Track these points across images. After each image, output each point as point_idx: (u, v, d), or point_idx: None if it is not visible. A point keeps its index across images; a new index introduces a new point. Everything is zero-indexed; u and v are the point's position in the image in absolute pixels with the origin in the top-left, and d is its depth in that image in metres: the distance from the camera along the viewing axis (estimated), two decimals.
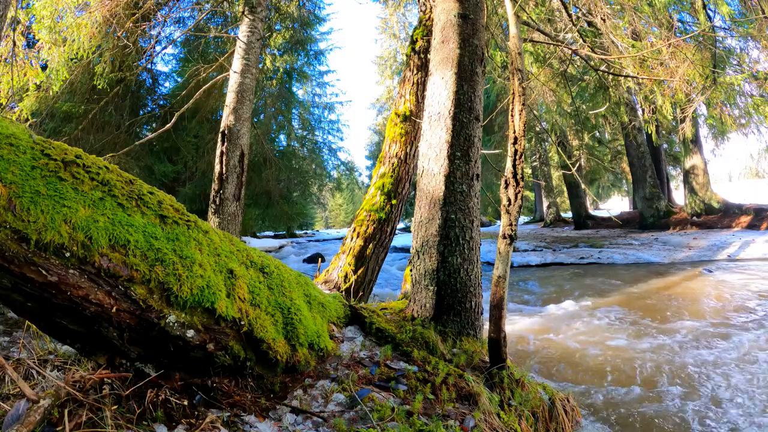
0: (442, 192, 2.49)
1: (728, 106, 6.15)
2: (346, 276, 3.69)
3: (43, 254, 1.07)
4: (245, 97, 4.87)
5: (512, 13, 2.35)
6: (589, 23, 5.34)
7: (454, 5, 2.68)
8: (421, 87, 3.95)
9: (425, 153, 2.63)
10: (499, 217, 19.64)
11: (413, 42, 4.17)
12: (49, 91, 5.80)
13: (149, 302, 1.24)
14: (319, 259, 4.96)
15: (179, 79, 13.26)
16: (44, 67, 5.39)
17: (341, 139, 62.78)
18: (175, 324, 1.29)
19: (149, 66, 12.10)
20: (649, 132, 8.76)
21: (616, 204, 32.59)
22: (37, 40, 5.13)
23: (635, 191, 14.96)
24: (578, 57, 5.99)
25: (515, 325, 4.51)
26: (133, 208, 1.29)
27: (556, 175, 21.81)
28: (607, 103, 7.59)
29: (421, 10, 4.31)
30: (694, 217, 13.23)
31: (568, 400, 2.26)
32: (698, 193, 13.51)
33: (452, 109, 2.55)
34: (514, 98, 2.12)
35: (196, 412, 1.35)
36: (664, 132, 14.54)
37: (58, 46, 5.03)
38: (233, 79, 4.92)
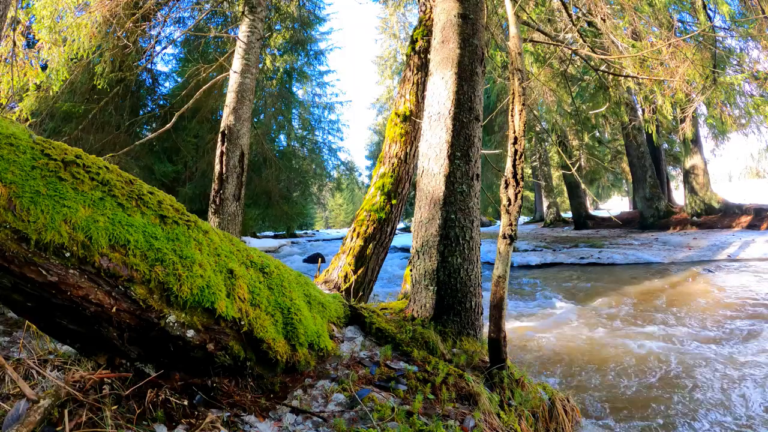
0: (442, 192, 2.49)
1: (728, 105, 6.15)
2: (346, 276, 3.68)
3: (43, 254, 1.07)
4: (245, 97, 4.87)
5: (512, 13, 2.35)
6: (589, 23, 5.34)
7: (454, 5, 2.68)
8: (421, 87, 3.95)
9: (425, 153, 2.63)
10: (499, 217, 19.63)
11: (413, 42, 4.17)
12: (49, 91, 5.79)
13: (149, 302, 1.24)
14: (319, 259, 4.96)
15: (179, 79, 13.27)
16: (44, 67, 5.38)
17: (341, 139, 62.86)
18: (175, 324, 1.29)
19: (149, 66, 12.10)
20: (649, 132, 8.74)
21: (616, 204, 32.61)
22: (37, 40, 5.12)
23: (635, 191, 14.96)
24: (578, 57, 5.99)
25: (515, 325, 4.51)
26: (133, 208, 1.29)
27: (556, 175, 21.80)
28: (607, 103, 7.59)
29: (421, 10, 4.31)
30: (694, 217, 13.22)
31: (568, 400, 2.26)
32: (698, 193, 13.50)
33: (452, 109, 2.55)
34: (514, 98, 2.12)
35: (196, 412, 1.35)
36: (664, 132, 14.53)
37: (58, 46, 5.03)
38: (233, 79, 4.92)
